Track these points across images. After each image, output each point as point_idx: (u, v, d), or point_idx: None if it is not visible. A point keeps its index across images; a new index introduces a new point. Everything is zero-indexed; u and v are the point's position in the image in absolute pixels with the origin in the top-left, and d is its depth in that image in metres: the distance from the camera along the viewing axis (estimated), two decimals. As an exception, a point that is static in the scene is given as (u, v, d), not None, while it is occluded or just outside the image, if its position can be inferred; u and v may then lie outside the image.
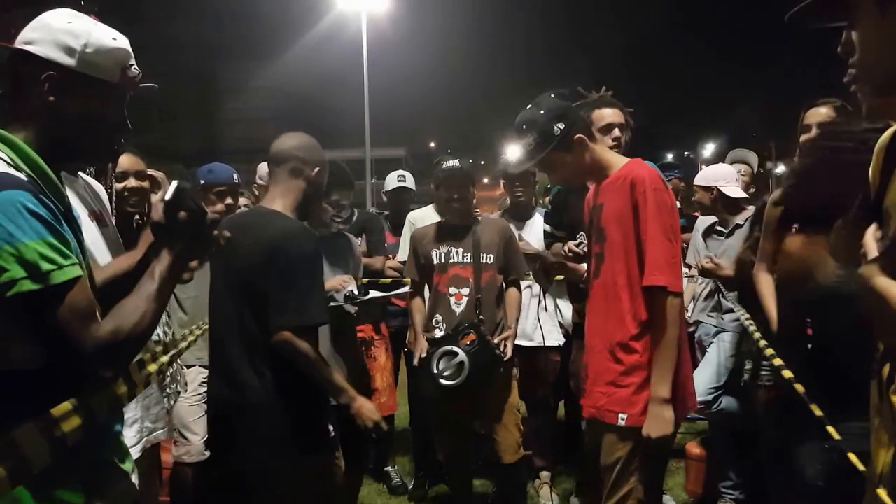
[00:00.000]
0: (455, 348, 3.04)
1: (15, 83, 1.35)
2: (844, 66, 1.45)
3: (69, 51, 1.35)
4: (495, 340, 3.14)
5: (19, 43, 1.36)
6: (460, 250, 3.27)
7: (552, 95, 2.40)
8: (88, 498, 1.32)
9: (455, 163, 3.31)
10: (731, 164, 4.29)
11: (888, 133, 1.48)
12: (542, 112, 2.35)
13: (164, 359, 2.14)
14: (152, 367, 1.92)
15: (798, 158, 2.50)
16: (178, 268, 1.42)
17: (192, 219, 1.41)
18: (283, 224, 2.31)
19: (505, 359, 3.16)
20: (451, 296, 3.24)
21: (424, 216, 4.12)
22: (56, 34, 1.35)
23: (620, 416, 2.25)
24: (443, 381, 3.04)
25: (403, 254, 4.01)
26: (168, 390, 2.76)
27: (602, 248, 2.35)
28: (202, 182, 3.50)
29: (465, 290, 3.22)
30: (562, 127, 2.31)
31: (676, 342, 2.23)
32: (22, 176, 1.25)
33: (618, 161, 2.41)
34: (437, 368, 3.05)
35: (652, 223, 2.21)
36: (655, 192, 2.24)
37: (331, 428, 2.35)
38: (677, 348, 2.24)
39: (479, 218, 3.52)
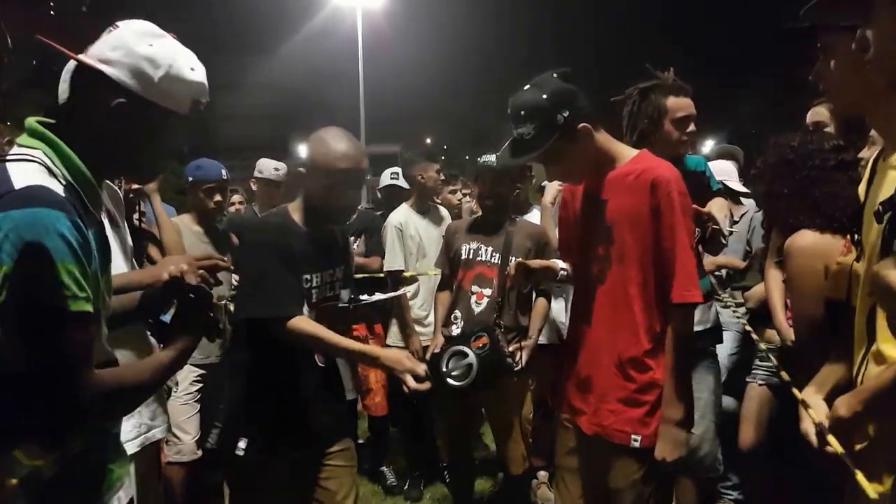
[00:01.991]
0: (466, 349, 2.98)
1: (80, 97, 1.32)
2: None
3: (146, 79, 1.31)
4: (510, 348, 3.02)
5: (94, 59, 1.31)
6: (489, 249, 3.19)
7: (554, 76, 2.08)
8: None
9: (493, 158, 3.19)
10: (715, 159, 4.25)
11: (875, 153, 1.58)
12: (544, 96, 2.03)
13: None
14: None
15: (775, 179, 2.35)
16: (187, 355, 1.45)
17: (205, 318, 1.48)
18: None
19: (517, 368, 3.03)
20: (473, 294, 3.15)
21: (406, 218, 3.98)
22: (136, 60, 1.31)
23: (633, 437, 2.06)
24: (450, 381, 2.99)
25: (392, 259, 3.90)
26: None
27: (608, 251, 2.11)
28: (190, 179, 3.45)
29: (488, 291, 3.14)
30: (566, 115, 2.02)
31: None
32: (60, 190, 1.21)
33: (625, 152, 2.17)
34: (446, 367, 3.01)
35: (679, 231, 2.00)
36: (680, 195, 2.02)
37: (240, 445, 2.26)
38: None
39: (517, 219, 3.40)
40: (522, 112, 2.05)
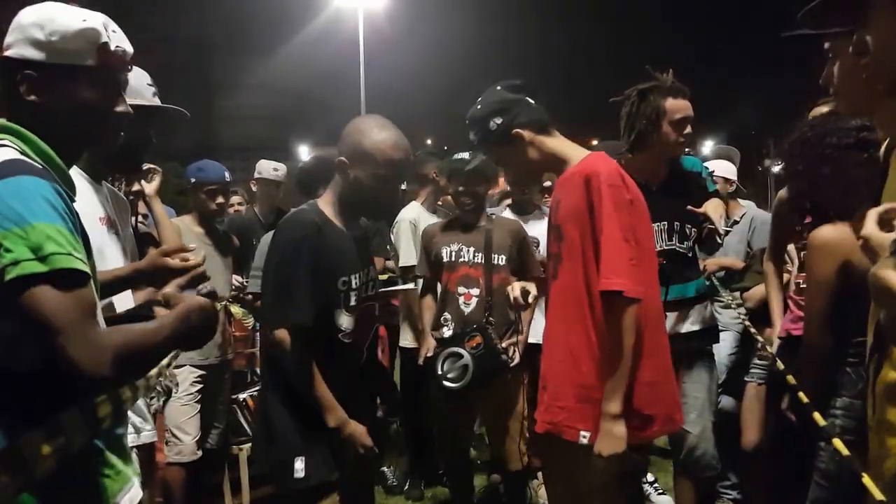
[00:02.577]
0: (460, 350, 2.98)
1: (9, 91, 1.34)
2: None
3: (37, 44, 1.33)
4: (503, 345, 3.04)
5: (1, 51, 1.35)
6: (471, 249, 3.18)
7: (498, 87, 2.26)
8: None
9: (465, 156, 3.20)
10: (712, 160, 4.25)
11: (883, 146, 1.56)
12: (478, 107, 2.25)
13: (164, 361, 2.10)
14: (153, 370, 1.89)
15: (791, 158, 2.32)
16: (192, 324, 1.39)
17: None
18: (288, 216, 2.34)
19: (511, 364, 3.05)
20: (460, 295, 3.15)
21: (417, 215, 3.98)
22: (26, 30, 1.33)
23: (582, 433, 2.07)
24: (446, 383, 2.99)
25: (406, 255, 3.87)
26: (158, 388, 2.71)
27: (559, 249, 2.18)
28: (192, 180, 3.46)
29: (475, 291, 3.13)
30: (499, 122, 2.18)
31: (631, 353, 2.03)
32: (38, 165, 1.25)
33: (576, 154, 2.21)
34: (442, 369, 3.01)
35: (608, 222, 2.03)
36: (611, 188, 2.06)
37: (299, 466, 2.08)
38: (633, 359, 2.05)
39: (493, 217, 3.40)
40: (467, 121, 2.30)
